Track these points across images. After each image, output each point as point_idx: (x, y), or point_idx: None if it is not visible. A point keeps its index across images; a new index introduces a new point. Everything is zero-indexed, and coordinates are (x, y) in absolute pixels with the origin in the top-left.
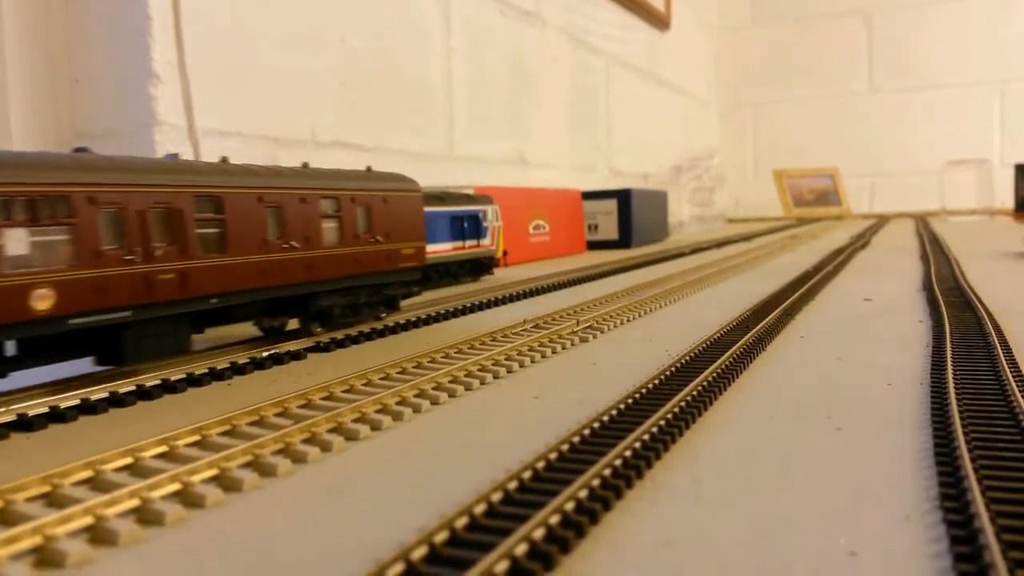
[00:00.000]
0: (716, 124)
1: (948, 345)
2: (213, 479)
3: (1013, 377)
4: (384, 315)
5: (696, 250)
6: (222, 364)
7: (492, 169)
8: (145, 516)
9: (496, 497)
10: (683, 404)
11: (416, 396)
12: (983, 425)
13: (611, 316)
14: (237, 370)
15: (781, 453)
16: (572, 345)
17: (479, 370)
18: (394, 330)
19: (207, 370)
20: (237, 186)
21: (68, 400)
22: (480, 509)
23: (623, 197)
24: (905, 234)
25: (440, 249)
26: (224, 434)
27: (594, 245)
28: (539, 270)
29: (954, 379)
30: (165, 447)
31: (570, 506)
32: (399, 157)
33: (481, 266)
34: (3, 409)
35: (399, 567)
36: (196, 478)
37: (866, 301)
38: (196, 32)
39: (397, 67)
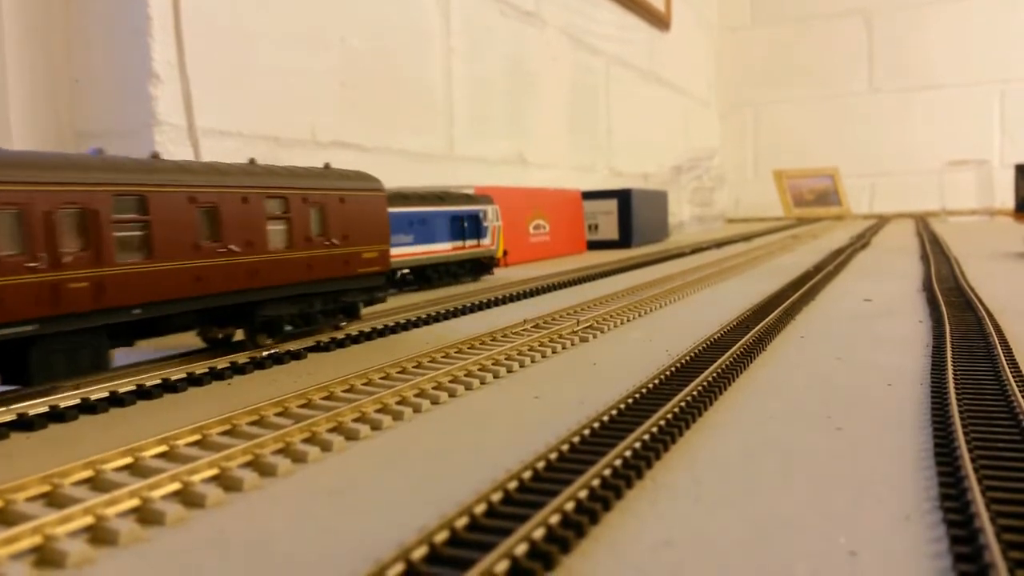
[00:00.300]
0: (716, 124)
1: (948, 345)
2: (213, 479)
3: (1013, 377)
4: (344, 324)
5: (696, 250)
6: (222, 364)
7: (492, 169)
8: (145, 516)
9: (496, 497)
10: (683, 404)
11: (416, 396)
12: (983, 425)
13: (611, 316)
14: (237, 370)
15: (781, 453)
16: (572, 345)
17: (479, 370)
18: (394, 330)
19: (207, 369)
20: (165, 184)
21: (68, 400)
22: (480, 509)
23: (623, 197)
24: (905, 234)
25: (440, 249)
26: (224, 434)
27: (594, 245)
28: (539, 270)
29: (954, 379)
30: (165, 447)
31: (570, 506)
32: (399, 157)
33: (481, 266)
34: (3, 409)
35: (399, 567)
36: (196, 478)
37: (866, 301)
38: (196, 32)
39: (397, 67)
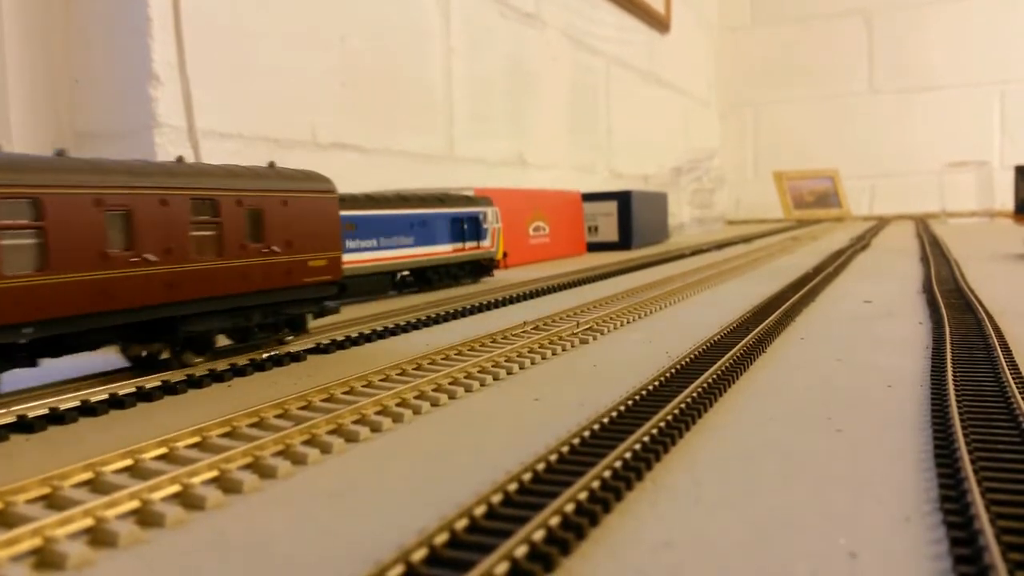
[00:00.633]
0: (716, 124)
1: (948, 347)
2: (213, 481)
3: (1013, 379)
4: (289, 339)
5: (696, 252)
6: (222, 366)
7: (492, 170)
8: (145, 518)
9: (496, 499)
10: (683, 406)
11: (416, 398)
12: (983, 427)
13: (611, 318)
14: (237, 372)
15: (781, 455)
16: (572, 347)
17: (479, 372)
18: (394, 332)
19: (207, 372)
20: (64, 185)
21: (68, 401)
22: (480, 511)
23: (623, 199)
24: (905, 236)
25: (440, 251)
26: (224, 436)
27: (594, 247)
28: (539, 272)
29: (954, 381)
30: (165, 449)
31: (570, 508)
32: (400, 158)
33: (481, 268)
34: (3, 411)
35: (399, 569)
36: (196, 480)
37: (866, 303)
38: (196, 33)
39: (397, 67)
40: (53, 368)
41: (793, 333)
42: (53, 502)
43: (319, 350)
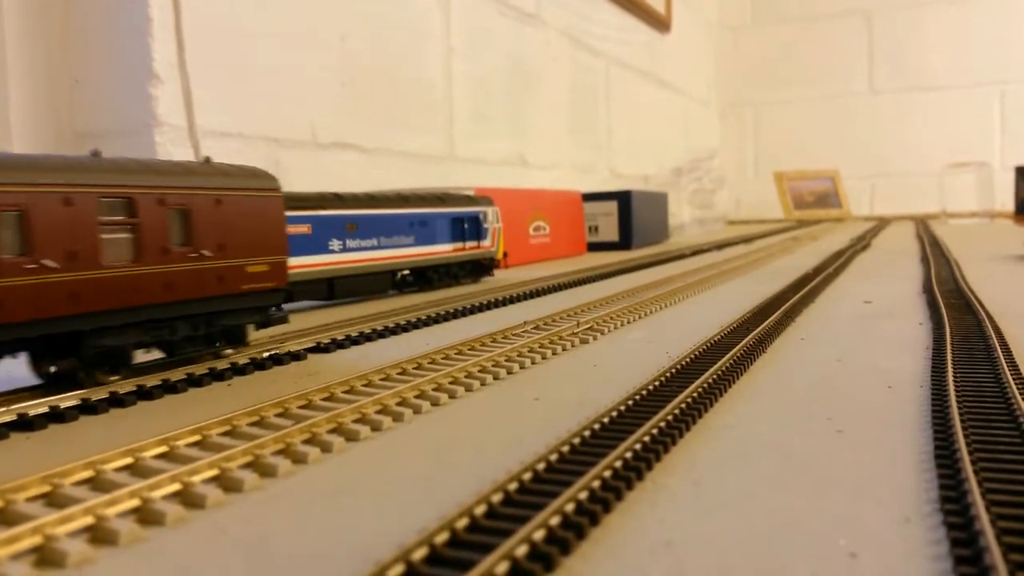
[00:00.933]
0: (716, 124)
1: (948, 348)
2: (213, 479)
3: (1013, 380)
4: (229, 353)
5: (696, 252)
6: (222, 364)
7: (492, 170)
8: (145, 516)
9: (496, 498)
10: (683, 406)
11: (416, 397)
12: (983, 427)
13: (612, 318)
14: (238, 371)
15: (781, 455)
16: (572, 347)
17: (479, 371)
18: (394, 331)
19: (207, 370)
20: None
21: (68, 400)
22: (480, 510)
23: (623, 199)
24: (905, 236)
25: (441, 250)
26: (224, 434)
27: (594, 247)
28: (539, 272)
29: (954, 381)
30: (165, 447)
31: (570, 508)
32: (400, 158)
33: (481, 267)
34: (3, 409)
35: (400, 568)
36: (196, 478)
37: (866, 303)
38: (196, 32)
39: (397, 67)
40: None
41: (793, 333)
42: (53, 500)
43: (319, 349)
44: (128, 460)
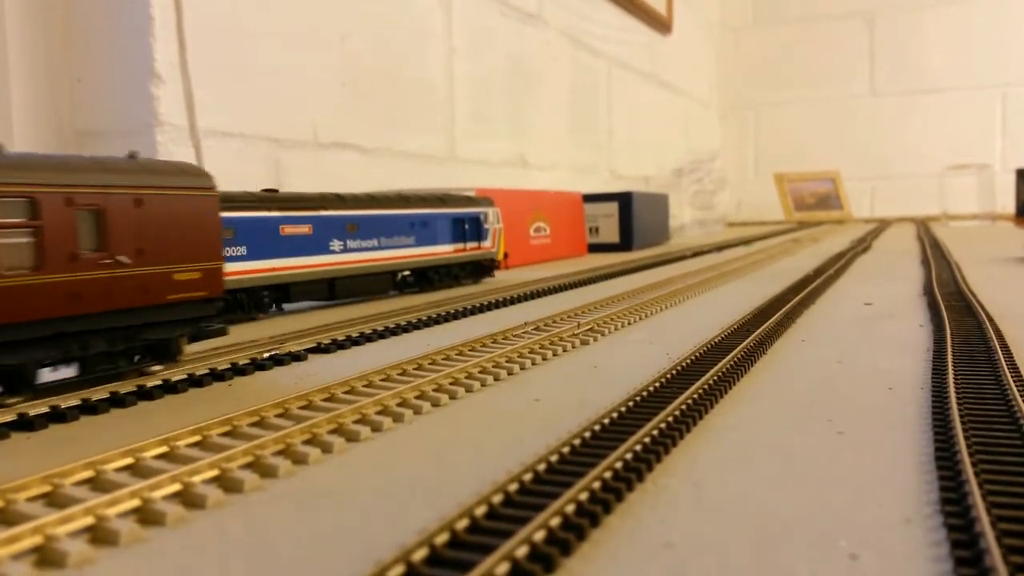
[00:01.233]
0: (717, 125)
1: (949, 349)
2: (214, 480)
3: (1014, 381)
4: (157, 369)
5: (697, 253)
6: (223, 364)
7: (493, 171)
8: (146, 516)
9: (497, 499)
10: (684, 407)
11: (417, 398)
12: (984, 429)
13: (612, 319)
14: (238, 371)
15: (782, 456)
16: (573, 348)
17: (479, 372)
18: (395, 332)
19: (208, 370)
20: None
21: (69, 400)
22: (481, 511)
23: (624, 200)
24: (906, 238)
25: (441, 251)
26: (225, 435)
27: (595, 248)
28: (540, 272)
29: (955, 383)
30: (166, 447)
31: (571, 509)
32: (400, 158)
33: (482, 268)
34: (4, 409)
35: (400, 568)
36: (197, 478)
37: (867, 305)
38: (198, 32)
39: (398, 67)
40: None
41: (794, 335)
42: (54, 500)
43: (320, 349)
44: (128, 460)
